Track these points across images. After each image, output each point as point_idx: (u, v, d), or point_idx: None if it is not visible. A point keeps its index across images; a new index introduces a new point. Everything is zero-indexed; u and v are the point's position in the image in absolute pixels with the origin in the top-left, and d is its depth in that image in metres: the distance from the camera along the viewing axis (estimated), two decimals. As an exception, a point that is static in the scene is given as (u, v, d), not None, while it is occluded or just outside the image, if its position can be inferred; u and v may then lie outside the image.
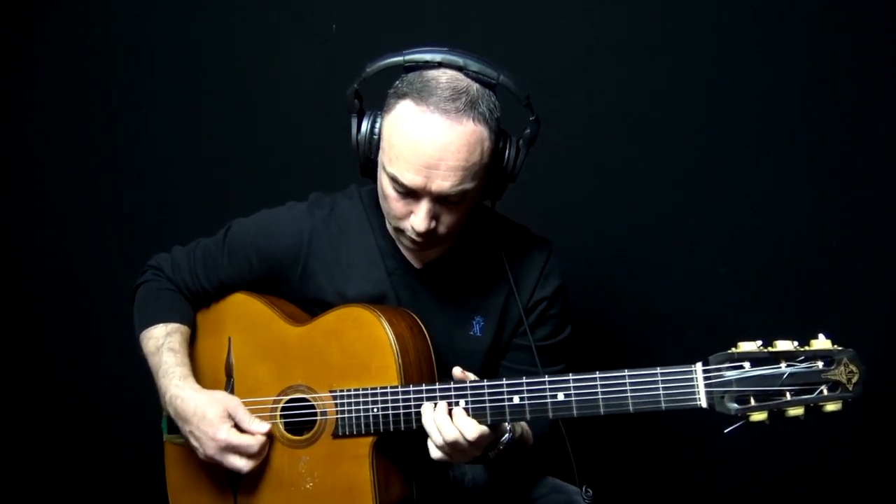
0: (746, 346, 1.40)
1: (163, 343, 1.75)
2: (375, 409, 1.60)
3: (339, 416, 1.63)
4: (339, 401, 1.63)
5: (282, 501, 1.68)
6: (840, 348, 1.38)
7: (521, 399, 1.50)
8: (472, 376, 1.57)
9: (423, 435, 1.55)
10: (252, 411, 1.69)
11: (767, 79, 2.31)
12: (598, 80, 2.40)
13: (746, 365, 1.38)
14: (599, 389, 1.46)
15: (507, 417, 1.52)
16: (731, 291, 2.37)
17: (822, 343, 1.38)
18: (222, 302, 1.81)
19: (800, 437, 2.26)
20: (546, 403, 1.49)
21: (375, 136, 1.62)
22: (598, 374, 1.47)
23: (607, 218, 2.42)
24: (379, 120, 1.62)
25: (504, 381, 1.51)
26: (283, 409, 1.69)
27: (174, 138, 2.62)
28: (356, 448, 1.62)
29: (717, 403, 1.40)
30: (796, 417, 1.37)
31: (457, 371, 1.57)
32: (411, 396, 1.57)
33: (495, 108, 1.58)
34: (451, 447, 1.52)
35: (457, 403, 1.53)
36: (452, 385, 1.55)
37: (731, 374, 1.39)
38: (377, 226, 1.75)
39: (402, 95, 1.56)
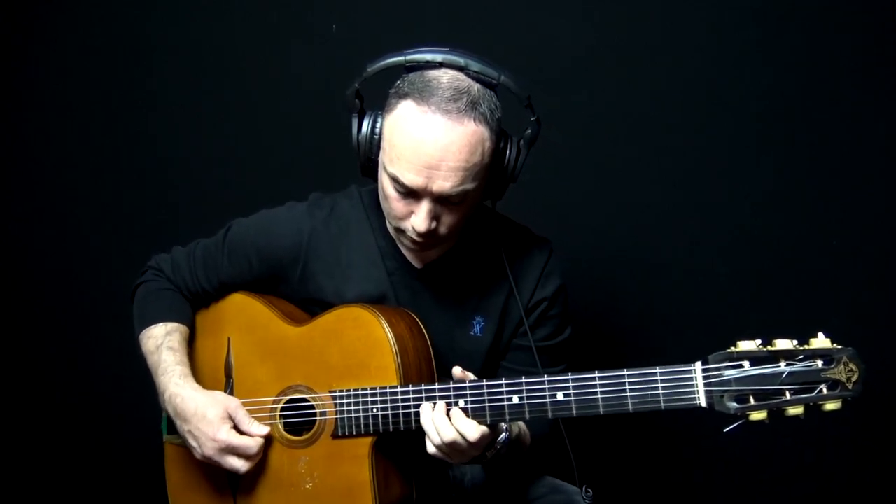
0: (746, 346, 1.39)
1: (162, 342, 1.75)
2: (375, 410, 1.60)
3: (338, 416, 1.63)
4: (338, 401, 1.63)
5: (281, 502, 1.68)
6: (839, 347, 1.37)
7: (521, 399, 1.50)
8: (471, 376, 1.57)
9: (423, 435, 1.55)
10: (252, 411, 1.69)
11: (767, 79, 2.31)
12: (598, 80, 2.40)
13: (746, 364, 1.38)
14: (599, 389, 1.46)
15: (507, 417, 1.51)
16: (731, 291, 2.37)
17: (821, 342, 1.38)
18: (222, 302, 1.81)
19: (799, 436, 2.26)
20: (545, 403, 1.49)
21: (376, 136, 1.62)
22: (597, 374, 1.46)
23: (607, 218, 2.42)
24: (380, 120, 1.62)
25: (503, 381, 1.51)
26: (283, 409, 1.69)
27: (174, 138, 2.62)
28: (356, 448, 1.62)
29: (717, 403, 1.39)
30: (796, 416, 1.37)
31: (456, 371, 1.57)
32: (410, 397, 1.57)
33: (496, 109, 1.58)
34: (448, 447, 1.52)
35: (456, 403, 1.53)
36: (452, 385, 1.54)
37: (731, 374, 1.38)
38: (377, 226, 1.75)
39: (404, 95, 1.56)
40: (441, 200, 1.56)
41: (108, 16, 2.63)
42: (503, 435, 1.58)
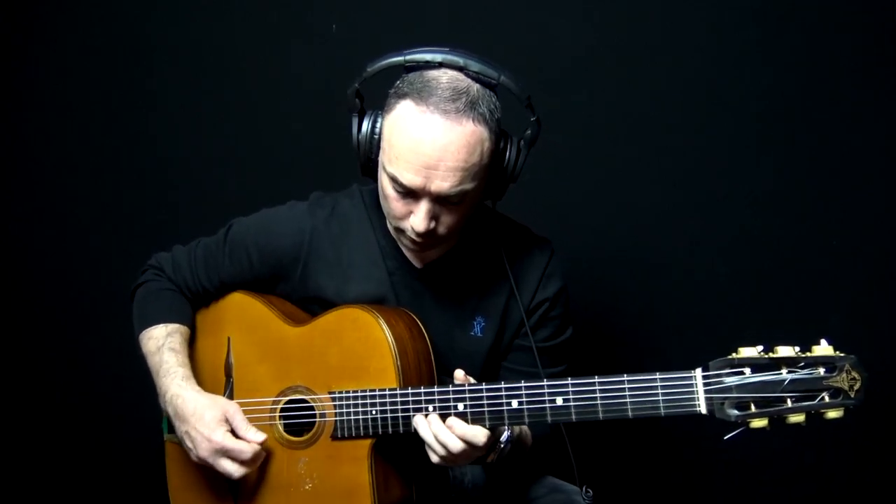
0: (747, 352, 1.38)
1: (163, 343, 1.75)
2: (374, 412, 1.60)
3: (337, 417, 1.63)
4: (337, 402, 1.63)
5: (281, 502, 1.68)
6: (842, 355, 1.36)
7: (520, 403, 1.50)
8: (472, 380, 1.56)
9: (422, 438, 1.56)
10: (251, 412, 1.69)
11: (767, 79, 2.31)
12: (598, 80, 2.40)
13: (747, 371, 1.36)
14: (598, 395, 1.45)
15: (506, 421, 1.51)
16: (731, 291, 2.37)
17: (823, 349, 1.37)
18: (222, 301, 1.81)
19: (800, 438, 2.24)
20: (544, 408, 1.49)
21: (376, 136, 1.62)
22: (596, 379, 1.46)
23: (607, 218, 2.42)
24: (379, 120, 1.62)
25: (503, 385, 1.51)
26: (283, 409, 1.69)
27: (174, 138, 2.62)
28: (355, 450, 1.62)
29: (717, 410, 1.39)
30: (797, 424, 1.36)
31: (459, 374, 1.57)
32: (410, 399, 1.57)
33: (496, 109, 1.58)
34: (455, 456, 1.52)
35: (455, 407, 1.53)
36: (451, 388, 1.54)
37: (732, 381, 1.37)
38: (378, 225, 1.75)
39: (403, 95, 1.56)
40: (440, 200, 1.56)
41: (108, 16, 2.63)
42: (506, 434, 1.58)
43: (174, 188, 2.63)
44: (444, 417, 1.53)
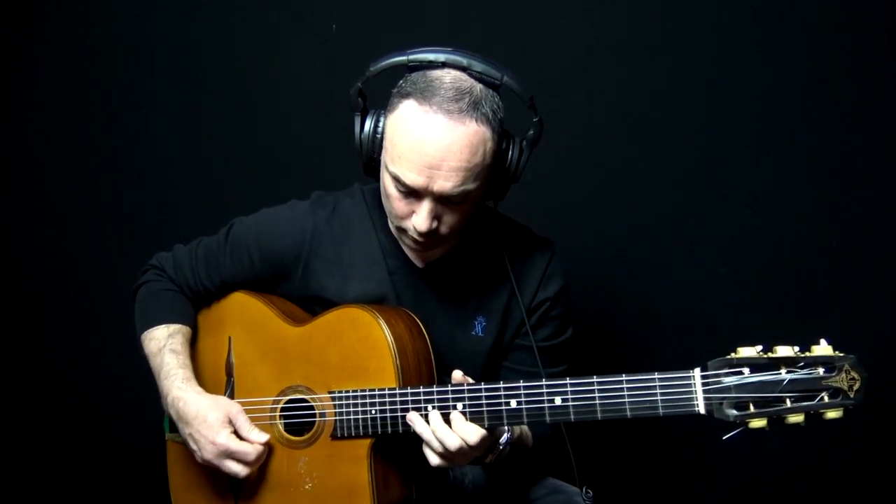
0: (746, 352, 1.38)
1: (165, 344, 1.75)
2: (374, 411, 1.60)
3: (337, 417, 1.63)
4: (337, 402, 1.63)
5: (281, 501, 1.68)
6: (841, 355, 1.36)
7: (519, 403, 1.50)
8: (470, 381, 1.56)
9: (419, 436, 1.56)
10: (252, 411, 1.69)
11: (767, 79, 2.31)
12: (598, 80, 2.40)
13: (746, 371, 1.36)
14: (597, 394, 1.45)
15: (505, 421, 1.51)
16: (731, 292, 2.37)
17: (823, 349, 1.36)
18: (223, 301, 1.82)
19: (799, 438, 2.23)
20: (543, 408, 1.49)
21: (378, 135, 1.62)
22: (595, 379, 1.46)
23: (607, 218, 2.42)
24: (382, 119, 1.62)
25: (501, 385, 1.51)
26: (283, 409, 1.69)
27: (174, 138, 2.62)
28: (355, 449, 1.62)
29: (716, 410, 1.38)
30: (797, 424, 1.35)
31: (457, 374, 1.57)
32: (409, 399, 1.57)
33: (499, 109, 1.58)
34: (452, 454, 1.52)
35: (454, 406, 1.53)
36: (450, 388, 1.54)
37: (730, 380, 1.37)
38: (380, 225, 1.75)
39: (406, 95, 1.56)
40: (442, 200, 1.56)
41: (108, 16, 2.62)
42: (505, 436, 1.58)
43: (174, 188, 2.63)
44: (444, 418, 1.53)
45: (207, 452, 1.64)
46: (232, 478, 1.70)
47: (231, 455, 1.63)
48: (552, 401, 1.48)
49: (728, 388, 1.37)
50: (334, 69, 2.29)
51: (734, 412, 1.37)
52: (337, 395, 1.63)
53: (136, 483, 2.58)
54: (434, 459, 1.54)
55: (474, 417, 1.52)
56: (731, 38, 2.34)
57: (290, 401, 1.69)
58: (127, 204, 2.64)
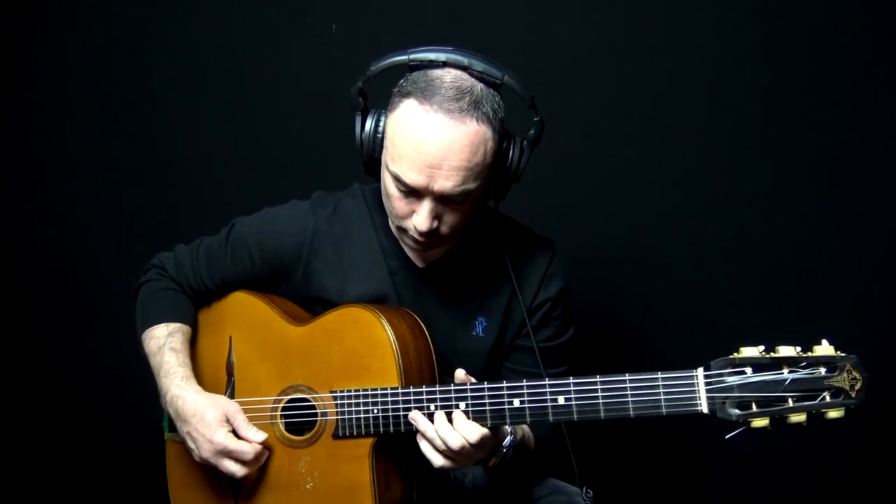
0: (748, 352, 1.38)
1: (164, 343, 1.75)
2: (375, 411, 1.60)
3: (339, 416, 1.63)
4: (339, 401, 1.63)
5: (282, 501, 1.68)
6: (843, 355, 1.36)
7: (522, 402, 1.50)
8: (473, 380, 1.56)
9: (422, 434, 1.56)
10: (253, 411, 1.69)
11: (767, 79, 2.31)
12: (598, 80, 2.40)
13: (748, 370, 1.37)
14: (600, 394, 1.45)
15: (508, 420, 1.51)
16: (731, 291, 2.37)
17: (824, 349, 1.37)
18: (223, 300, 1.82)
19: (801, 438, 2.24)
20: (546, 407, 1.49)
21: (379, 135, 1.62)
22: (598, 378, 1.46)
23: (607, 218, 2.42)
24: (383, 118, 1.62)
25: (504, 384, 1.51)
26: (284, 408, 1.69)
27: (174, 138, 2.62)
28: (356, 449, 1.62)
29: (719, 409, 1.39)
30: (798, 424, 1.36)
31: (459, 373, 1.57)
32: (411, 398, 1.57)
33: (499, 109, 1.58)
34: (454, 453, 1.52)
35: (457, 406, 1.53)
36: (452, 387, 1.54)
37: (733, 380, 1.37)
38: (380, 225, 1.75)
39: (406, 94, 1.56)
40: (443, 200, 1.56)
41: (108, 16, 2.62)
42: (508, 438, 1.59)
43: (174, 188, 2.62)
44: (446, 417, 1.53)
45: (205, 451, 1.64)
46: (232, 478, 1.71)
47: (228, 454, 1.63)
48: (555, 400, 1.48)
49: (731, 388, 1.38)
50: (334, 69, 2.30)
51: (737, 411, 1.37)
52: (339, 394, 1.63)
53: (135, 482, 2.58)
54: (437, 460, 1.54)
55: (477, 417, 1.52)
56: (731, 38, 2.34)
57: (291, 400, 1.69)
58: (127, 204, 2.64)
